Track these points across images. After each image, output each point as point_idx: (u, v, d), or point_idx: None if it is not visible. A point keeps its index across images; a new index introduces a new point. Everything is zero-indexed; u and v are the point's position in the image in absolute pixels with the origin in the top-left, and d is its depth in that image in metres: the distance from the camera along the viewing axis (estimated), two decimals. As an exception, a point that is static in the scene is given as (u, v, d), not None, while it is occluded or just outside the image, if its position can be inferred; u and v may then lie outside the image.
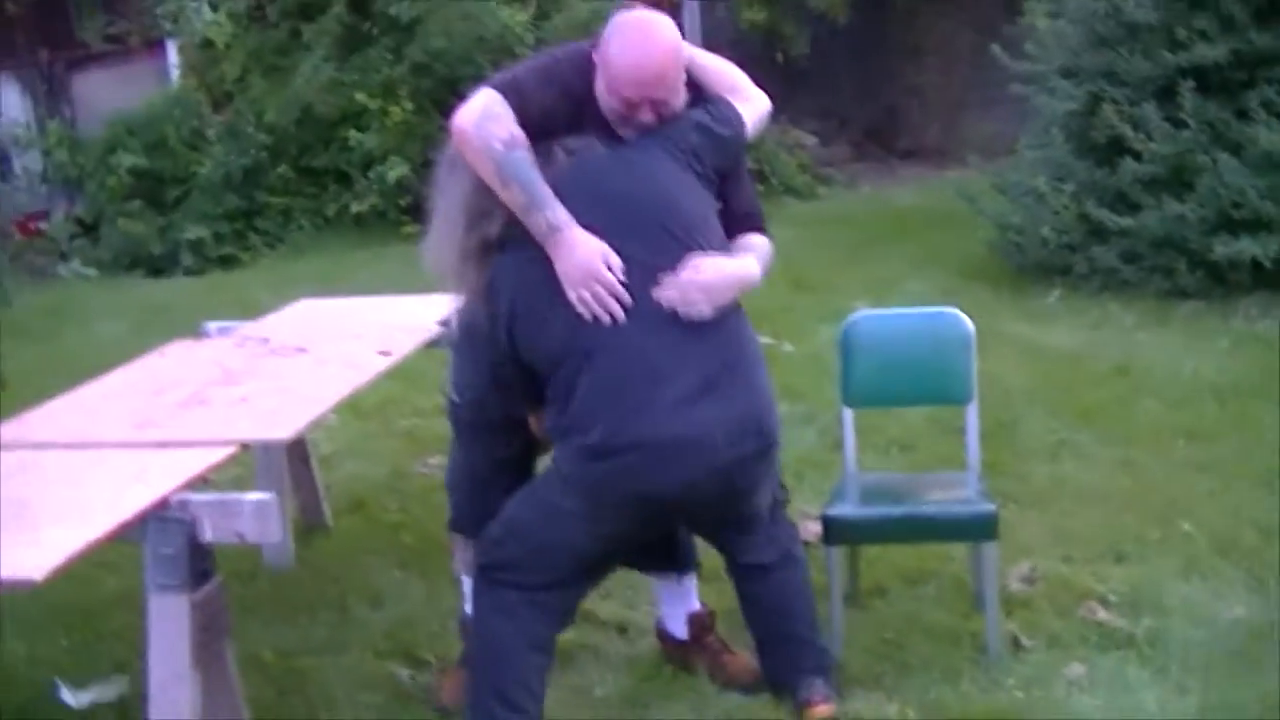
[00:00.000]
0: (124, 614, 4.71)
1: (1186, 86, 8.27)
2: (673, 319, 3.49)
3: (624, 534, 3.65)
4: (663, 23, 3.68)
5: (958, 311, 4.43)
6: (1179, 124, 8.34)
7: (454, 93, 14.21)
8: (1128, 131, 8.44)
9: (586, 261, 3.48)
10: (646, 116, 3.63)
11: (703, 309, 3.50)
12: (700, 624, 4.25)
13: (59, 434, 3.90)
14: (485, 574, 3.71)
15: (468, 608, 4.18)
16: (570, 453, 3.55)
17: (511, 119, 3.59)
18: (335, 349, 4.65)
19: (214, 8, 5.64)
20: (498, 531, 3.70)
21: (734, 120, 3.75)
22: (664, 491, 3.49)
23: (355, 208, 14.24)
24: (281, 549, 5.11)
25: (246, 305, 10.57)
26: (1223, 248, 8.11)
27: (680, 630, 4.27)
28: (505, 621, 3.62)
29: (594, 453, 3.47)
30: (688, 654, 4.25)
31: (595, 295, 3.48)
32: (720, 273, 3.55)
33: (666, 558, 4.21)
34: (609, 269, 3.48)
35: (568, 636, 4.42)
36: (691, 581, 4.30)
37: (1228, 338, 7.54)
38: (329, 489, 5.75)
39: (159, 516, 3.23)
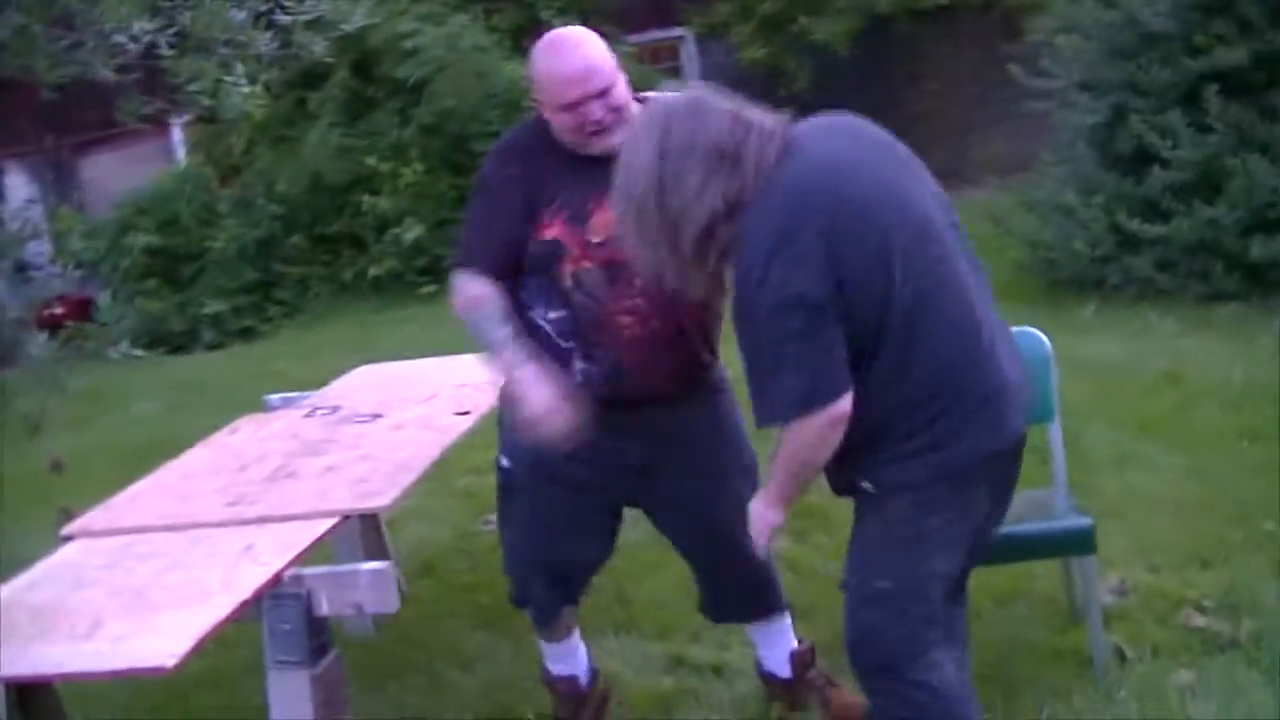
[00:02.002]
0: (211, 694, 4.71)
1: (1210, 91, 8.30)
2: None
3: (981, 515, 3.33)
4: (575, 29, 3.70)
5: (1038, 332, 4.41)
6: (1204, 129, 8.38)
7: (465, 150, 14.44)
8: (1155, 139, 8.46)
9: (535, 410, 3.53)
10: (598, 113, 3.55)
11: None
12: (803, 661, 4.22)
13: (152, 517, 3.89)
14: (891, 680, 3.26)
15: (549, 666, 4.23)
16: (916, 453, 3.16)
17: (464, 283, 3.71)
18: (410, 413, 4.65)
19: (252, 81, 5.61)
20: (873, 640, 3.26)
21: None
22: (1010, 438, 3.25)
23: (372, 272, 14.29)
24: (362, 619, 5.09)
25: (275, 377, 10.60)
26: (1259, 248, 8.13)
27: (783, 669, 4.23)
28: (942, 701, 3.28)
29: (952, 431, 3.17)
30: (793, 692, 4.22)
31: (550, 432, 3.54)
32: None
33: (759, 603, 4.17)
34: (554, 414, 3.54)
35: (667, 683, 4.44)
36: (787, 620, 4.26)
37: (1271, 338, 7.52)
38: (397, 553, 5.73)
39: (274, 593, 3.23)
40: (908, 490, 3.12)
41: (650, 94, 3.70)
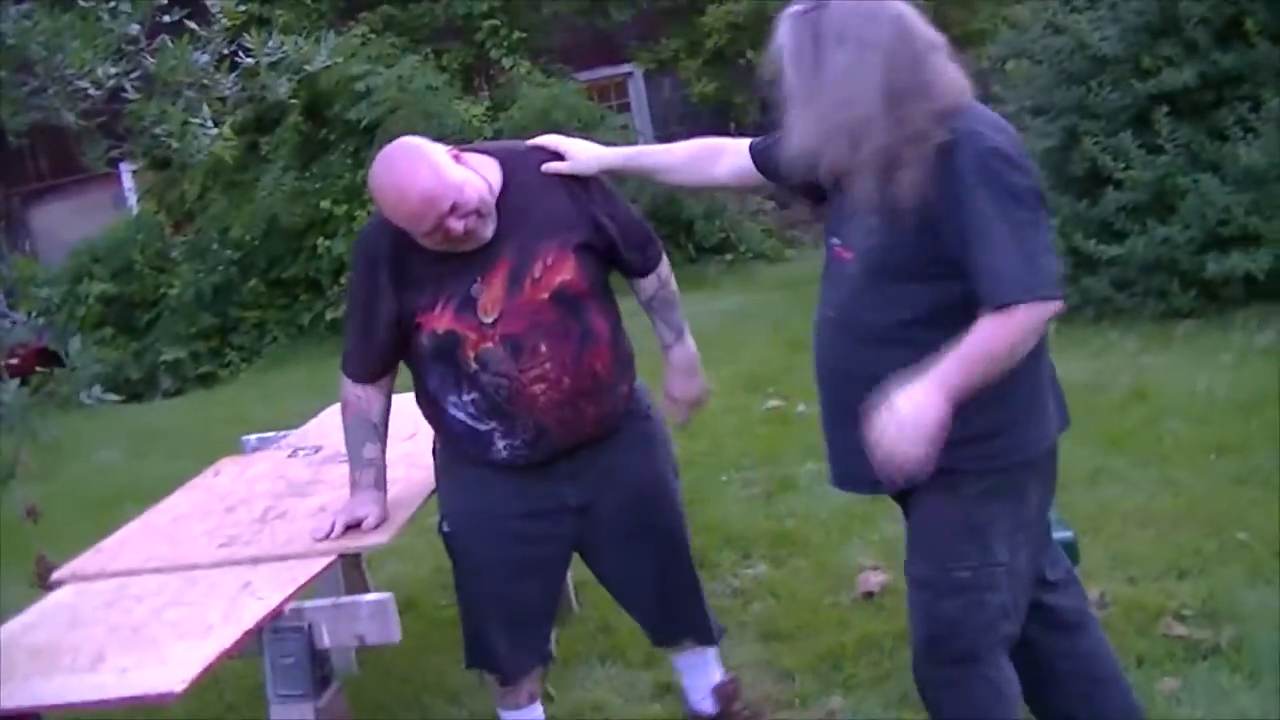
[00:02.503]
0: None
1: (1160, 112, 8.43)
2: None
3: (1034, 507, 3.30)
4: (401, 146, 3.64)
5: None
6: (1156, 150, 8.50)
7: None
8: (1108, 161, 8.58)
9: (345, 519, 3.82)
10: (457, 225, 3.53)
11: None
12: (729, 693, 4.21)
13: (144, 560, 3.91)
14: (968, 673, 3.25)
15: None
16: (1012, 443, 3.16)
17: (344, 388, 3.90)
18: (394, 450, 4.64)
19: (217, 123, 5.62)
20: (956, 631, 3.21)
21: None
22: (1063, 427, 3.31)
23: (330, 315, 14.26)
24: (344, 654, 5.09)
25: (240, 421, 10.55)
26: (1214, 265, 8.24)
27: (707, 705, 4.21)
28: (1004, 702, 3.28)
29: (1043, 411, 3.22)
30: None
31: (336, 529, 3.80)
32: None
33: (701, 624, 4.16)
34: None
35: (655, 710, 4.47)
36: (715, 651, 4.25)
37: (1231, 352, 7.63)
38: (378, 590, 5.73)
39: (276, 626, 3.25)
40: (988, 474, 3.13)
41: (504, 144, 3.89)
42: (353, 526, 3.81)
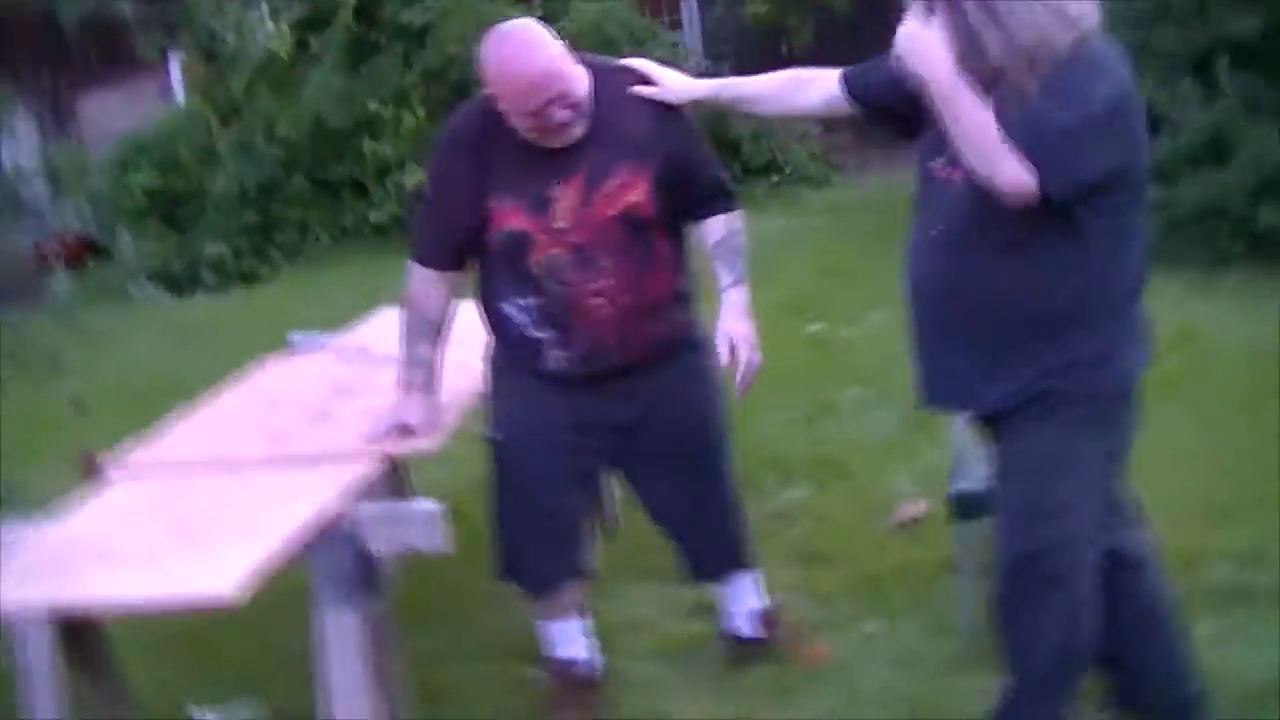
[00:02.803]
0: (242, 638, 4.71)
1: (1223, 59, 8.32)
2: None
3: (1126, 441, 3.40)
4: (523, 25, 3.72)
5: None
6: (1214, 96, 8.39)
7: (467, 97, 14.31)
8: (1165, 103, 8.47)
9: (387, 419, 3.89)
10: (560, 115, 3.62)
11: None
12: (773, 619, 4.31)
13: (196, 456, 3.92)
14: (1061, 594, 3.30)
15: (548, 648, 4.20)
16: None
17: (410, 277, 3.93)
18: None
19: (274, 19, 5.63)
20: (1053, 554, 3.27)
21: None
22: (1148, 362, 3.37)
23: (374, 217, 14.20)
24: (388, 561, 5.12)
25: (285, 317, 10.54)
26: (1267, 215, 8.14)
27: (750, 628, 4.29)
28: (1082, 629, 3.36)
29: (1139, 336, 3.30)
30: (760, 649, 4.27)
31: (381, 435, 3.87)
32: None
33: (737, 557, 4.24)
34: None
35: (695, 627, 4.50)
36: (755, 576, 4.32)
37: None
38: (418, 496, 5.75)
39: (326, 531, 3.27)
40: (1086, 401, 3.17)
41: (597, 58, 3.85)
42: (399, 430, 3.86)
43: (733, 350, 3.84)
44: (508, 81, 3.60)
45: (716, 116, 14.64)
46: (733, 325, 3.89)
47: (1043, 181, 2.92)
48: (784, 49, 16.59)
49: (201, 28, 5.67)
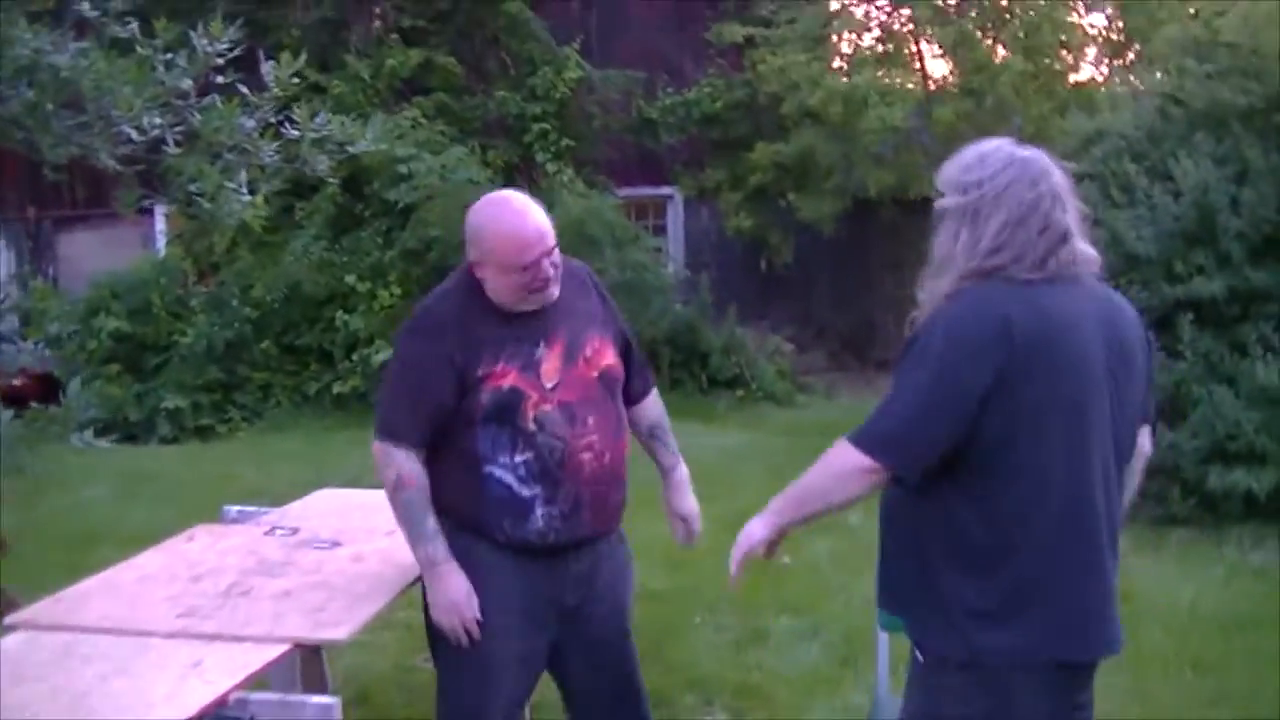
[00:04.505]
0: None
1: (1184, 319, 8.45)
2: None
3: None
4: (514, 192, 3.99)
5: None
6: (1176, 354, 8.50)
7: (443, 279, 14.43)
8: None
9: (455, 597, 3.82)
10: (548, 269, 3.82)
11: None
12: None
13: (101, 618, 3.85)
14: None
15: None
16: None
17: (396, 459, 3.84)
18: (370, 545, 4.62)
19: (252, 190, 5.66)
20: None
21: None
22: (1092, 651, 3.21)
23: (337, 388, 14.27)
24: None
25: (231, 480, 10.52)
26: (1216, 478, 8.22)
27: None
28: None
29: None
30: None
31: (454, 628, 3.83)
32: None
33: None
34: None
35: None
36: None
37: (1222, 567, 7.59)
38: (334, 680, 5.66)
39: (219, 715, 3.20)
40: (963, 665, 3.03)
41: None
42: (465, 618, 3.84)
43: (684, 524, 4.21)
44: (506, 238, 3.78)
45: (691, 325, 14.82)
46: (681, 504, 4.22)
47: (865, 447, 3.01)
48: (764, 263, 16.82)
49: (179, 188, 5.68)
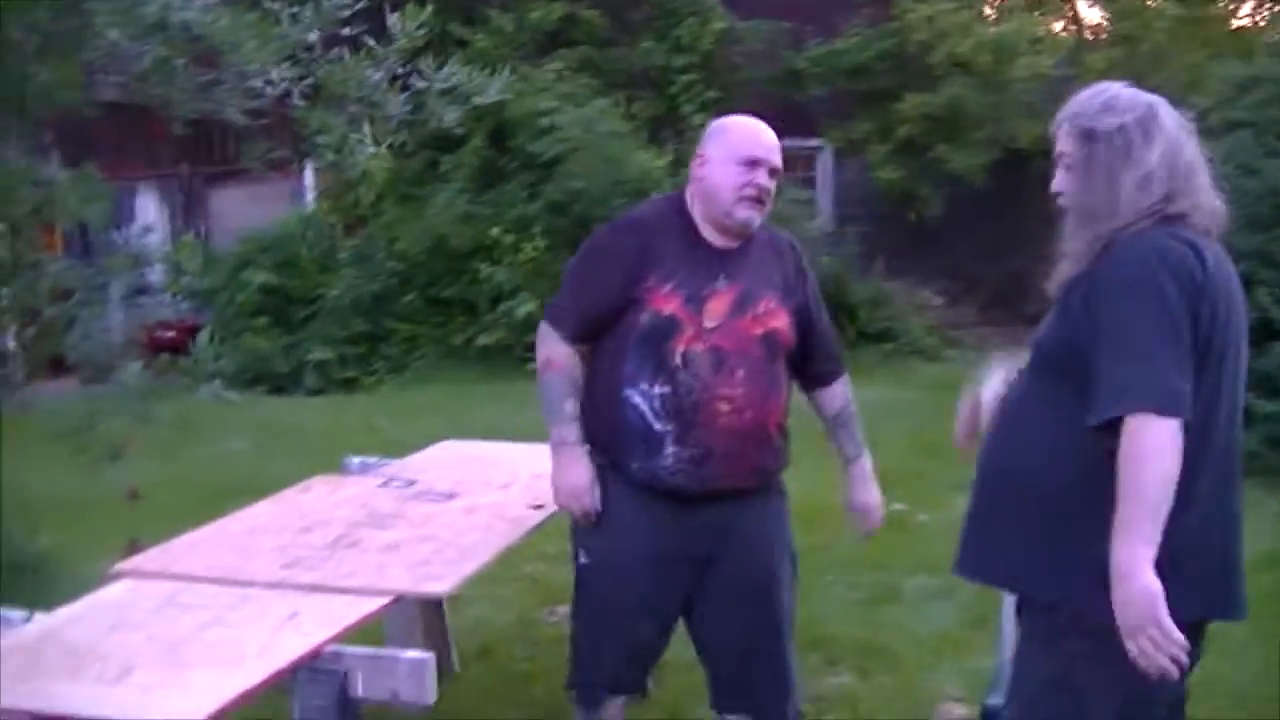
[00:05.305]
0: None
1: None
2: None
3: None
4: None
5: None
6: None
7: (588, 232, 14.38)
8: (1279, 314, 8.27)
9: (578, 482, 3.88)
10: (764, 180, 3.84)
11: None
12: None
13: (206, 568, 3.84)
14: None
15: None
16: None
17: (549, 341, 3.95)
18: (485, 498, 4.56)
19: (378, 142, 5.63)
20: None
21: None
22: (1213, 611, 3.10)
23: (481, 340, 14.29)
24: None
25: (371, 432, 10.59)
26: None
27: None
28: None
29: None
30: None
31: (572, 510, 3.92)
32: None
33: (775, 707, 4.13)
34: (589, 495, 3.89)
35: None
36: None
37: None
38: (455, 633, 5.63)
39: (311, 667, 3.14)
40: (1092, 631, 2.86)
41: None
42: (578, 499, 3.90)
43: (864, 517, 4.24)
44: (744, 127, 3.92)
45: (838, 278, 14.63)
46: (865, 496, 4.23)
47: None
48: (912, 216, 16.55)
49: (306, 141, 5.67)
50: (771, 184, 3.87)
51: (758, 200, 3.84)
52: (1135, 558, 2.70)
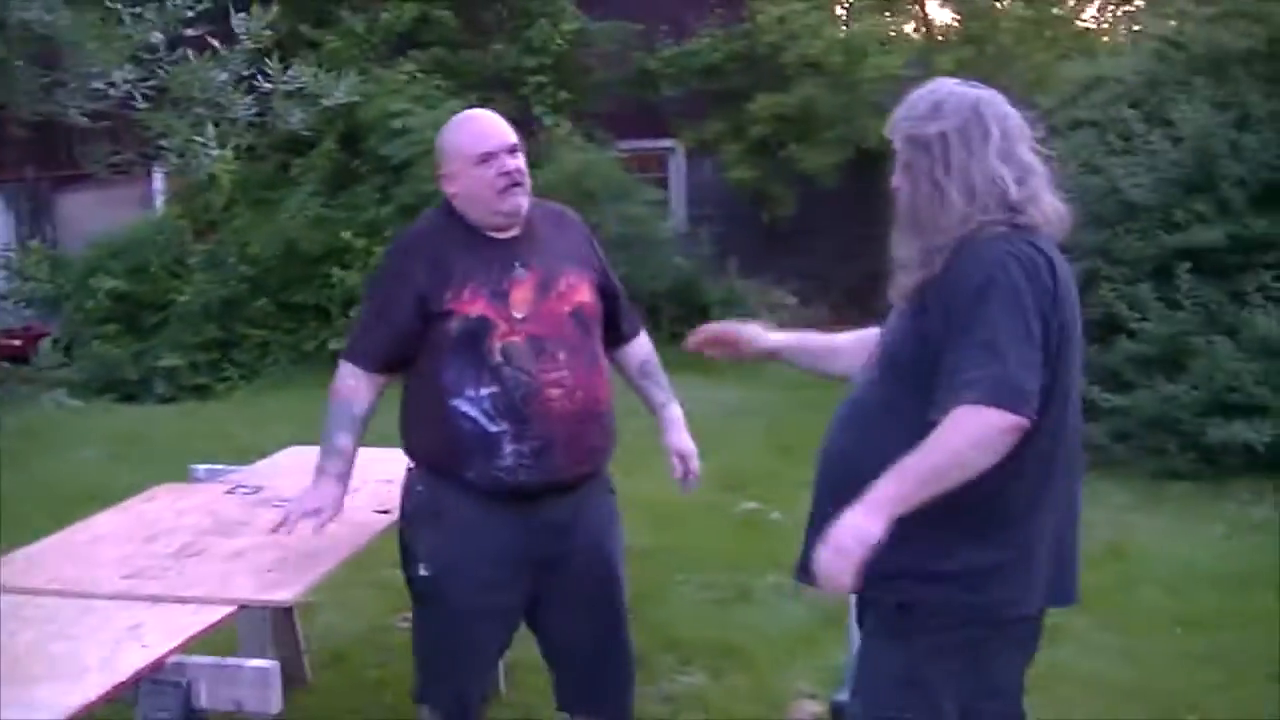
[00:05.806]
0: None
1: (1183, 268, 8.31)
2: None
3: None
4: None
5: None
6: (1174, 305, 8.38)
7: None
8: (1123, 310, 8.45)
9: (318, 503, 3.92)
10: (512, 162, 3.80)
11: None
12: None
13: (48, 580, 3.77)
14: None
15: None
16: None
17: (341, 373, 3.95)
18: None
19: (223, 144, 5.57)
20: None
21: None
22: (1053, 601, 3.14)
23: (333, 345, 14.13)
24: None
25: (223, 439, 10.46)
26: (1216, 430, 8.11)
27: None
28: None
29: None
30: None
31: (286, 515, 3.93)
32: None
33: (620, 703, 4.19)
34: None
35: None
36: None
37: (1222, 522, 7.49)
38: (307, 641, 5.58)
39: (154, 679, 3.11)
40: (945, 626, 2.94)
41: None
42: (308, 516, 3.89)
43: (682, 461, 4.13)
44: (464, 131, 3.87)
45: (691, 278, 14.69)
46: (678, 440, 4.17)
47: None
48: (765, 216, 16.67)
49: (149, 144, 5.59)
50: (519, 161, 3.82)
51: (515, 184, 3.80)
52: (881, 505, 2.76)
